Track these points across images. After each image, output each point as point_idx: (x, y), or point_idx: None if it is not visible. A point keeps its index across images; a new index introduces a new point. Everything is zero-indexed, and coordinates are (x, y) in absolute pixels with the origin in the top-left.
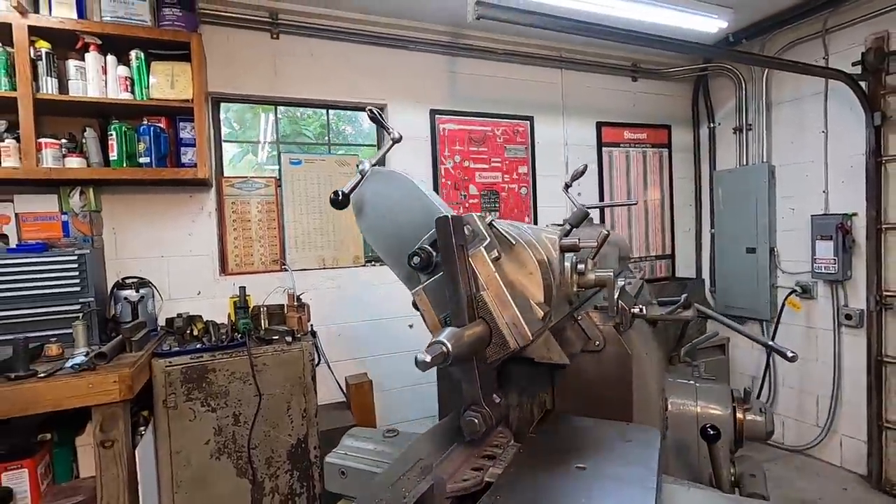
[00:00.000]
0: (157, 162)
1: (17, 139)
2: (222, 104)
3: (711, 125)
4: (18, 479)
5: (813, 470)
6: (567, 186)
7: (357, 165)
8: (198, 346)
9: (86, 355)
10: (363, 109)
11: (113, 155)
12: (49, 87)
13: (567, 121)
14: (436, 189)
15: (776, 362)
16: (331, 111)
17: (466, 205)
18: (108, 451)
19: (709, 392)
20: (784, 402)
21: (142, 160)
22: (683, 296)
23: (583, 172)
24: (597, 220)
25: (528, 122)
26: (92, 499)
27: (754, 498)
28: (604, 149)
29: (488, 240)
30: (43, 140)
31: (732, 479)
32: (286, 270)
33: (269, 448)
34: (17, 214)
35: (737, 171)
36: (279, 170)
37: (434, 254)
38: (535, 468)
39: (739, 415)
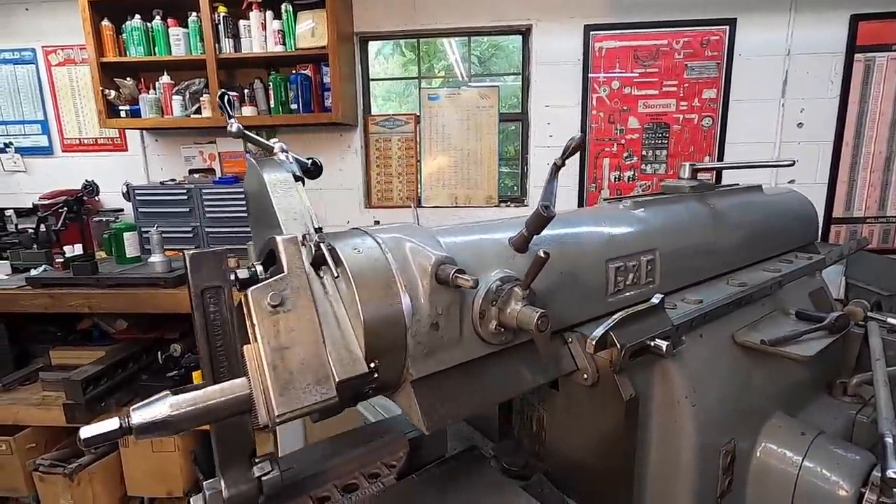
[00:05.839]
0: (303, 108)
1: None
2: (370, 43)
3: None
4: None
5: None
6: (557, 168)
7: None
8: None
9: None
10: (507, 33)
11: (272, 103)
12: (228, 47)
13: (797, 17)
14: (584, 124)
15: None
16: (472, 40)
17: (622, 141)
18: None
19: (831, 453)
20: None
21: (292, 106)
22: (834, 314)
23: (579, 147)
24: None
25: (728, 26)
26: None
27: None
28: (857, 56)
29: (283, 274)
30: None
31: None
32: (421, 207)
33: None
34: (219, 153)
35: None
36: (419, 106)
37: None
38: None
39: None
